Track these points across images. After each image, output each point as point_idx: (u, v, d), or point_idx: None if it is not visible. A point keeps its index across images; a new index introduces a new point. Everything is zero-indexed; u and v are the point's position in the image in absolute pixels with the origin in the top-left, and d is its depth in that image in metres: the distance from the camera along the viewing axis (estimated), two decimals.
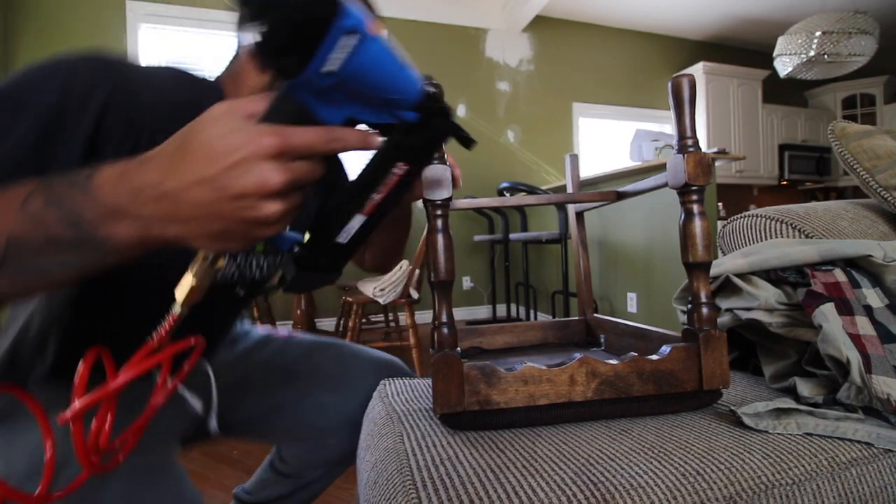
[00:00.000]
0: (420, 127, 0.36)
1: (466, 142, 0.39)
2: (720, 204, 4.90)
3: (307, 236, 0.38)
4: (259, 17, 0.28)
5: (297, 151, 0.31)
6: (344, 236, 0.37)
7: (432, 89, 0.35)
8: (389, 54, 0.32)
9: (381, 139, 0.35)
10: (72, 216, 0.32)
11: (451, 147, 0.42)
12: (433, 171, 0.46)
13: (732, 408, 0.47)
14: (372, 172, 0.37)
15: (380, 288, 2.18)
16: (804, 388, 0.50)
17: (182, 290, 0.37)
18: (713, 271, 0.62)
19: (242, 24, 0.30)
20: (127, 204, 0.31)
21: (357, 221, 0.37)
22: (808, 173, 5.15)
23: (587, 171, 4.10)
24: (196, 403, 0.63)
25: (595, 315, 0.75)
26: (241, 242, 0.33)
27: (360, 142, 0.34)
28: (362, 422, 0.63)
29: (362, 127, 0.36)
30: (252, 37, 0.29)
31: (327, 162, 0.34)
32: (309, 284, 0.39)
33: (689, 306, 0.49)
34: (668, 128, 4.55)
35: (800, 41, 3.28)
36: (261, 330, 0.81)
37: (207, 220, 0.31)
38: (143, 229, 0.32)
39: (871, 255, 0.56)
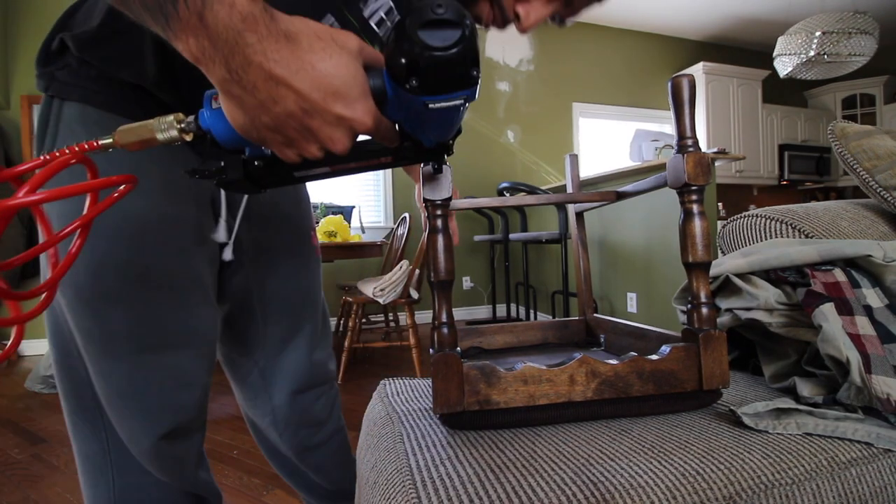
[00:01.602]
0: (422, 150, 0.42)
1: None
2: (720, 204, 4.90)
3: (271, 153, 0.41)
4: (423, 52, 0.32)
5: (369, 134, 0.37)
6: (301, 173, 0.42)
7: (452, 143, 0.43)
8: (460, 116, 0.39)
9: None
10: None
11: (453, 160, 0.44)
12: (433, 172, 0.46)
13: (732, 408, 0.47)
14: (362, 150, 0.42)
15: (380, 288, 2.18)
16: (804, 388, 0.50)
17: (130, 127, 0.37)
18: (713, 271, 0.62)
19: (414, 29, 0.32)
20: (229, 43, 0.31)
21: (320, 171, 0.42)
22: (808, 173, 5.15)
23: (587, 171, 4.11)
24: (222, 233, 0.64)
25: (595, 315, 0.75)
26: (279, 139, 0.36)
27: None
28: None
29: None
30: (408, 50, 0.33)
31: None
32: (238, 189, 0.42)
33: (689, 306, 0.49)
34: (668, 128, 4.56)
35: (800, 41, 3.28)
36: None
37: (263, 112, 0.34)
38: (216, 63, 0.32)
39: (870, 255, 0.56)
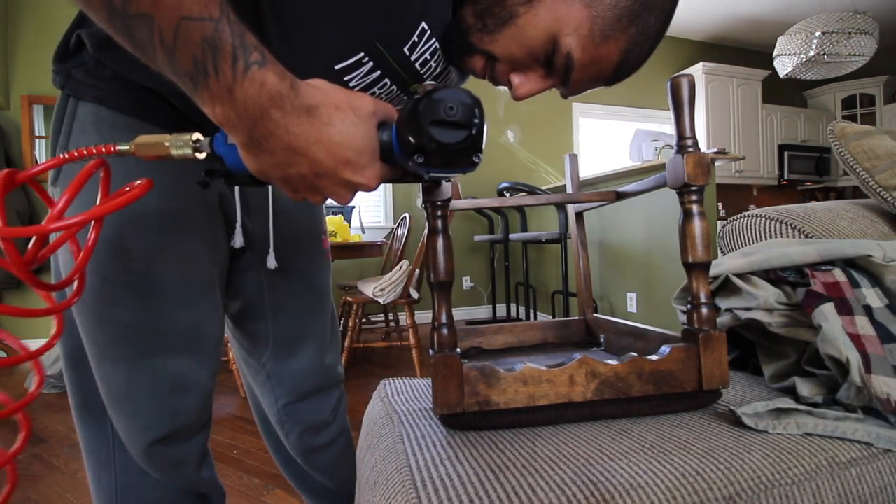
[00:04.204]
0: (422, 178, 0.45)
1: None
2: (720, 204, 4.90)
3: None
4: (430, 143, 0.35)
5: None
6: None
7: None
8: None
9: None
10: (211, 69, 0.31)
11: None
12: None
13: (732, 408, 0.47)
14: None
15: (380, 288, 2.18)
16: (804, 388, 0.50)
17: (149, 139, 0.38)
18: (713, 271, 0.62)
19: (427, 114, 0.35)
20: (254, 117, 0.33)
21: None
22: (808, 173, 5.15)
23: (587, 171, 4.11)
24: (239, 238, 0.64)
25: (595, 315, 0.75)
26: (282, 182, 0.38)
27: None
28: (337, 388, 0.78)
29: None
30: (417, 136, 0.36)
31: None
32: (243, 185, 0.44)
33: (689, 306, 0.49)
34: (668, 128, 4.56)
35: (800, 41, 3.28)
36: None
37: (277, 169, 0.36)
38: (238, 130, 0.34)
39: (870, 255, 0.56)
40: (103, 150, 0.37)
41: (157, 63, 0.33)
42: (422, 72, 0.53)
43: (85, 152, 0.37)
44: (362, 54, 0.49)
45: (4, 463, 0.37)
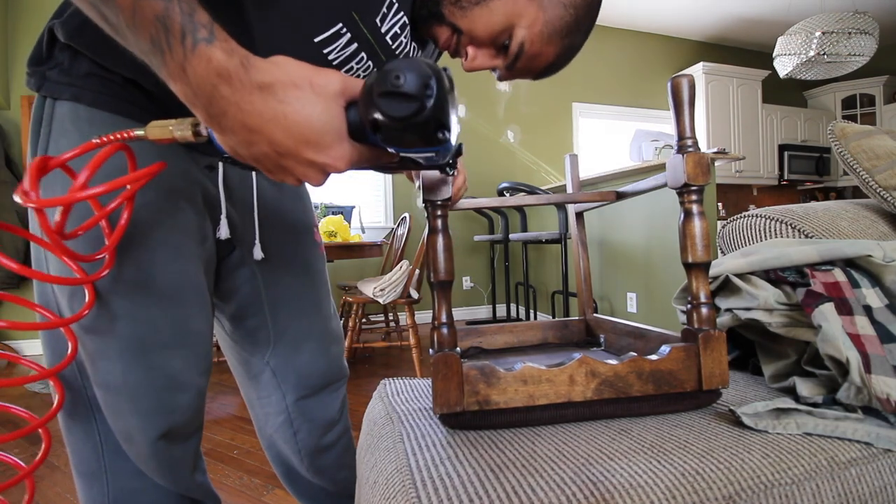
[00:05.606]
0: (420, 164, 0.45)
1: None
2: (720, 204, 4.90)
3: None
4: (381, 118, 0.33)
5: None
6: None
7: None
8: (442, 157, 0.41)
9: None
10: (165, 47, 0.33)
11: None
12: (432, 172, 0.46)
13: (732, 407, 0.47)
14: None
15: (380, 288, 2.18)
16: (804, 387, 0.50)
17: (158, 124, 0.40)
18: (713, 271, 0.62)
19: (394, 91, 0.33)
20: (206, 94, 0.33)
21: None
22: (808, 173, 5.14)
23: (587, 171, 4.10)
24: (224, 230, 0.65)
25: (595, 315, 0.75)
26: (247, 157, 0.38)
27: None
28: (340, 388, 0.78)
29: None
30: (372, 112, 0.34)
31: None
32: (244, 166, 0.45)
33: (689, 306, 0.49)
34: (668, 128, 4.56)
35: (799, 41, 3.28)
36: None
37: (242, 148, 0.36)
38: (198, 108, 0.35)
39: (870, 255, 0.56)
40: (124, 135, 0.41)
41: (130, 44, 0.34)
42: (392, 45, 0.55)
43: (111, 137, 0.41)
44: (340, 25, 0.50)
45: (23, 477, 0.39)
